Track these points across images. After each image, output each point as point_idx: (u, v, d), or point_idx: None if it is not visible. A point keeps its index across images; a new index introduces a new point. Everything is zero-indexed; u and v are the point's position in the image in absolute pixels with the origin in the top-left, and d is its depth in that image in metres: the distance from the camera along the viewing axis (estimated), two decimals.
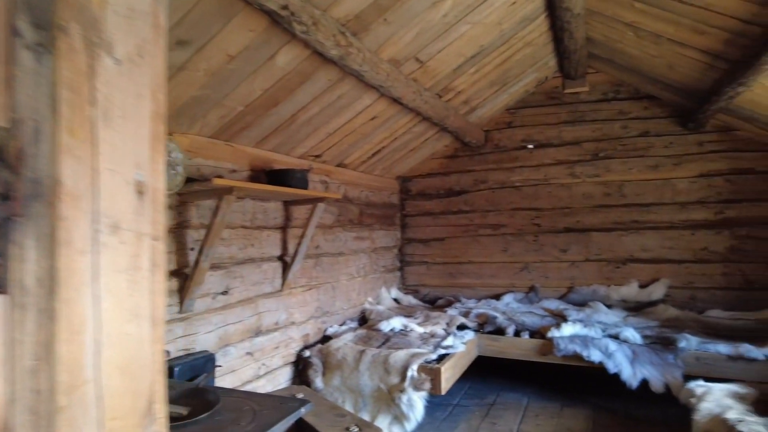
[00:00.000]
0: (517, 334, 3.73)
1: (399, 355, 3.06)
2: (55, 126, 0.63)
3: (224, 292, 2.76)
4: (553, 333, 3.54)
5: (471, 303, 4.56)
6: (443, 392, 2.96)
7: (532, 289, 4.66)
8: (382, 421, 2.98)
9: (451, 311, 4.14)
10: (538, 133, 4.66)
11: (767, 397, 2.50)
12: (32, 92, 0.61)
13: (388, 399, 2.99)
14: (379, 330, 3.66)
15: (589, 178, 4.49)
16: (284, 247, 3.24)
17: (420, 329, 3.69)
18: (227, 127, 2.67)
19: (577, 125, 4.54)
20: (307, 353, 3.31)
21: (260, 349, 3.00)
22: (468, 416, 3.45)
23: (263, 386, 2.99)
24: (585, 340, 3.45)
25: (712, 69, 3.21)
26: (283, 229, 3.24)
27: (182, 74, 2.14)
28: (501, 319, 3.87)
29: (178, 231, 2.50)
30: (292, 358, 3.31)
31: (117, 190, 0.71)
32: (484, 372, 4.21)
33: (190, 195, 2.50)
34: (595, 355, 3.34)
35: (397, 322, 3.73)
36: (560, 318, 3.95)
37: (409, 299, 4.91)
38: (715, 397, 2.50)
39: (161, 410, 0.78)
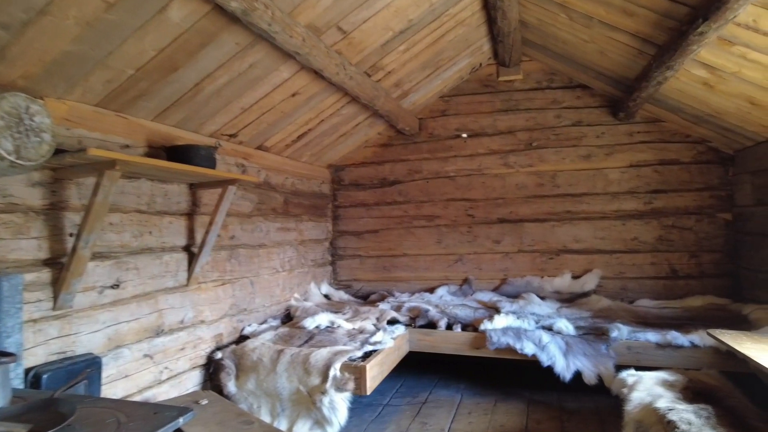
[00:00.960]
0: (449, 327, 3.55)
1: (321, 354, 2.79)
2: None
3: (114, 286, 2.38)
4: (486, 325, 3.39)
5: (404, 297, 4.36)
6: (369, 392, 2.72)
7: (466, 281, 4.52)
8: (302, 427, 2.70)
9: (382, 305, 3.92)
10: (473, 122, 4.53)
11: (695, 383, 2.44)
12: None
13: (309, 402, 2.71)
14: (303, 328, 3.38)
15: (523, 168, 4.41)
16: (191, 237, 2.88)
17: (348, 325, 3.44)
18: (117, 95, 2.29)
19: (511, 114, 4.45)
20: (218, 355, 2.97)
21: (162, 350, 2.63)
22: (398, 416, 3.23)
23: (166, 392, 2.63)
24: (518, 333, 3.32)
25: (641, 55, 3.17)
26: (190, 216, 2.89)
27: (45, 20, 1.77)
28: (433, 312, 3.69)
29: (51, 213, 2.11)
30: (202, 361, 2.96)
31: None
32: (419, 368, 4.03)
33: (67, 171, 2.12)
34: (529, 348, 3.21)
35: (323, 319, 3.45)
36: (493, 310, 3.82)
37: (341, 295, 4.64)
38: (645, 386, 2.41)
39: None
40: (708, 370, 2.67)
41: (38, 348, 2.04)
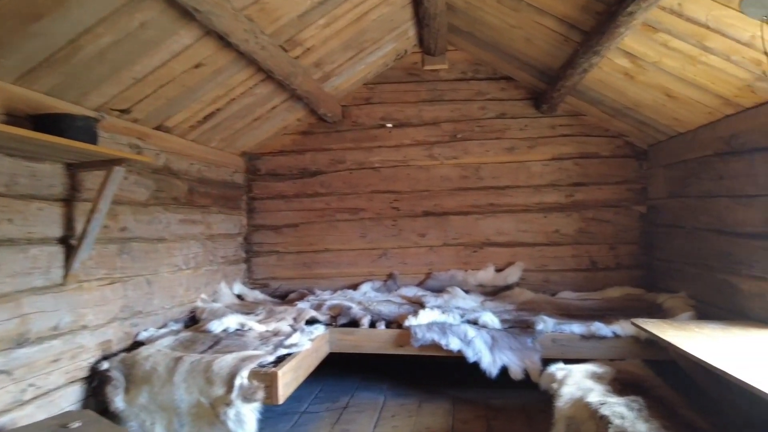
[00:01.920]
0: (373, 325, 3.33)
1: (225, 361, 2.45)
2: None
3: None
4: (410, 321, 3.20)
5: (326, 295, 4.08)
6: (281, 401, 2.41)
7: (390, 276, 4.32)
8: None
9: (301, 304, 3.61)
10: (398, 112, 4.34)
11: (623, 374, 2.39)
12: None
13: (211, 415, 2.36)
14: (208, 331, 3.00)
15: (448, 160, 4.29)
16: (69, 227, 2.42)
17: (260, 327, 3.10)
18: None
19: (436, 104, 4.31)
20: (104, 365, 2.53)
21: (26, 364, 2.16)
22: (316, 424, 2.95)
23: (30, 416, 2.16)
24: (443, 328, 3.16)
25: (566, 42, 3.12)
26: (68, 202, 2.43)
27: None
28: (356, 309, 3.45)
29: None
30: (84, 373, 2.50)
31: None
32: (340, 370, 3.76)
33: None
34: (454, 343, 3.06)
35: (231, 321, 3.09)
36: (418, 305, 3.65)
37: (256, 295, 4.27)
38: (575, 380, 2.31)
39: None
40: (632, 360, 2.65)
41: None
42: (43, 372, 2.25)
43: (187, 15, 2.22)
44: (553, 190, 4.19)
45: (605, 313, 3.48)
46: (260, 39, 2.58)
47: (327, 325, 3.37)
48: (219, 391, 2.36)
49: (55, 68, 2.16)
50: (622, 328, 3.04)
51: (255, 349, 2.74)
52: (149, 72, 2.53)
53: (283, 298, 4.31)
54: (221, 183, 4.04)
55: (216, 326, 3.02)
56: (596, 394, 2.09)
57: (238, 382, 2.34)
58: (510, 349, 3.04)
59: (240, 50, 2.59)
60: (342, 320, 3.37)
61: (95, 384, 2.51)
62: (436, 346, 3.09)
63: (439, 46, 4.11)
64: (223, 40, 2.52)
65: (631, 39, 2.67)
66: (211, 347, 2.79)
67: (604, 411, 1.94)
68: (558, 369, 2.47)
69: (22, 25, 1.88)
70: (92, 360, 2.56)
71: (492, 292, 4.11)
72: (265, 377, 2.38)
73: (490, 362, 3.01)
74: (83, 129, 2.13)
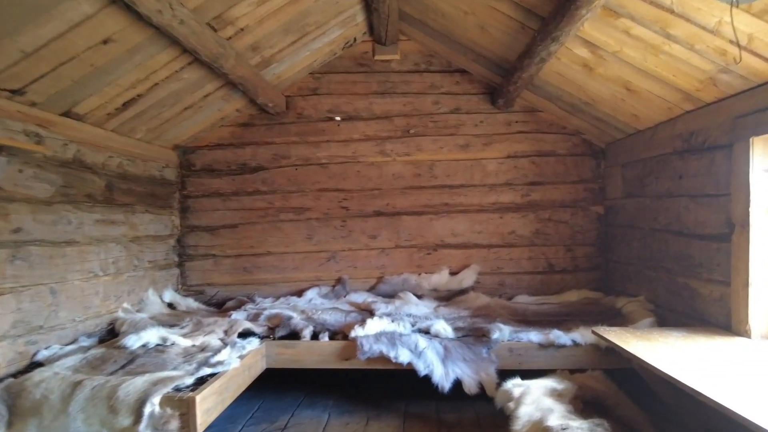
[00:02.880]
0: (315, 336, 3.02)
1: (135, 384, 2.09)
2: None
3: None
4: (357, 332, 2.92)
5: (267, 302, 3.75)
6: (200, 430, 2.07)
7: (339, 281, 4.03)
8: None
9: (235, 315, 3.26)
10: (347, 104, 4.05)
11: (584, 390, 2.18)
12: None
13: None
14: (124, 347, 2.61)
15: (400, 157, 4.03)
16: None
17: (185, 342, 2.74)
18: None
19: (388, 97, 4.04)
20: None
21: None
22: None
23: None
24: (392, 338, 2.90)
25: (523, 30, 2.92)
26: None
27: None
28: (297, 319, 3.13)
29: None
30: None
31: None
32: (282, 386, 3.43)
33: None
34: (404, 356, 2.79)
35: (151, 335, 2.72)
36: (367, 313, 3.38)
37: (190, 303, 3.88)
38: (533, 398, 2.09)
39: None
40: (593, 372, 2.46)
41: None
42: None
43: None
44: (509, 190, 4.00)
45: (563, 319, 3.32)
46: (178, 12, 2.23)
47: (264, 337, 3.04)
48: (125, 421, 2.00)
49: None
50: (582, 335, 2.86)
51: (175, 368, 2.39)
52: (42, 45, 2.14)
53: (220, 306, 3.94)
54: (149, 179, 3.63)
55: (133, 341, 2.64)
56: (557, 417, 1.87)
57: (147, 410, 1.99)
58: (464, 361, 2.80)
59: (154, 24, 2.23)
60: (281, 332, 3.05)
61: None
62: (384, 358, 2.81)
63: (390, 35, 3.85)
64: (132, 12, 2.15)
65: (591, 26, 2.49)
66: (123, 367, 2.41)
67: None
68: (515, 385, 2.24)
69: None
70: None
71: (446, 297, 3.89)
72: (181, 403, 2.04)
73: (442, 375, 2.76)
74: None
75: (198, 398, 2.04)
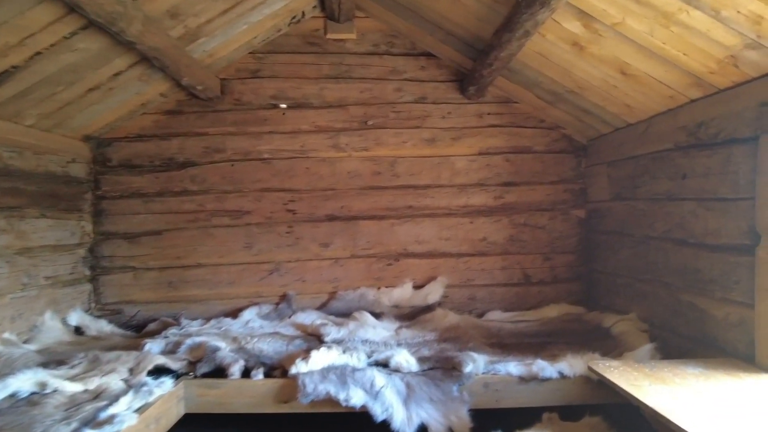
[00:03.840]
0: (247, 372, 2.43)
1: None
2: None
3: None
4: (299, 368, 2.35)
5: (195, 325, 3.13)
6: None
7: (284, 298, 3.44)
8: None
9: (150, 344, 2.62)
10: (294, 89, 3.46)
11: None
12: None
13: None
14: None
15: (357, 152, 3.48)
16: None
17: (73, 387, 2.11)
18: None
19: (343, 83, 3.48)
20: None
21: None
22: None
23: None
24: (343, 374, 2.34)
25: (498, 2, 2.43)
26: None
27: None
28: (224, 351, 2.52)
29: None
30: None
31: None
32: (204, 428, 2.80)
33: None
34: (357, 397, 2.24)
35: (24, 381, 2.06)
36: (315, 339, 2.81)
37: (102, 326, 3.21)
38: None
39: None
40: (590, 420, 1.97)
41: None
42: None
43: None
44: (481, 191, 3.51)
45: (544, 341, 2.86)
46: None
47: (182, 375, 2.43)
48: None
49: None
50: (570, 366, 2.38)
51: (46, 430, 1.76)
52: None
53: (141, 329, 3.29)
54: (45, 176, 2.95)
55: None
56: None
57: None
58: (430, 402, 2.27)
59: None
60: (203, 368, 2.44)
61: None
62: (332, 401, 2.25)
63: (345, 10, 3.29)
64: None
65: None
66: None
67: None
68: None
69: None
70: None
71: (409, 315, 3.36)
72: None
73: (404, 420, 2.21)
74: None
75: None
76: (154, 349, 2.60)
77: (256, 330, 3.01)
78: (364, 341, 2.74)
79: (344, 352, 2.49)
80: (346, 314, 3.29)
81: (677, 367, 1.94)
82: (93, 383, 2.17)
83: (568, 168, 3.52)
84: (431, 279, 3.46)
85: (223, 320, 3.20)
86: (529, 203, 3.51)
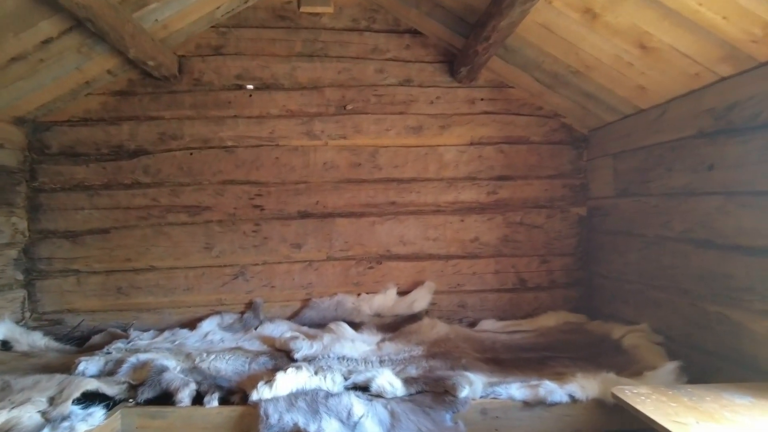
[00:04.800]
0: (200, 397, 2.02)
1: None
2: None
3: None
4: (261, 394, 1.95)
5: (146, 338, 2.71)
6: None
7: (250, 306, 3.02)
8: None
9: (85, 363, 2.19)
10: (262, 68, 3.06)
11: None
12: None
13: None
14: None
15: (333, 141, 3.09)
16: None
17: None
18: None
19: (318, 62, 3.09)
20: None
21: None
22: None
23: None
24: (315, 401, 1.95)
25: None
26: None
27: None
28: (174, 372, 2.11)
29: None
30: None
31: None
32: None
33: None
34: (331, 429, 1.86)
35: None
36: (283, 354, 2.42)
37: (36, 339, 2.75)
38: None
39: None
40: None
41: None
42: None
43: None
44: (471, 185, 3.16)
45: (545, 355, 2.51)
46: None
47: (121, 401, 2.01)
48: None
49: None
50: (582, 388, 2.03)
51: None
52: None
53: (84, 341, 2.84)
54: None
55: None
56: None
57: None
58: None
59: None
60: (147, 392, 2.02)
61: None
62: None
63: None
64: None
65: None
66: None
67: None
68: None
69: None
70: None
71: (392, 325, 2.98)
72: None
73: None
74: None
75: None
76: (89, 370, 2.19)
77: (215, 344, 2.60)
78: (341, 358, 2.35)
79: (316, 373, 2.10)
80: (320, 325, 2.90)
81: (720, 395, 1.60)
82: (2, 416, 1.74)
83: (567, 161, 3.19)
84: (417, 284, 3.09)
85: (179, 332, 2.78)
86: (524, 199, 3.17)
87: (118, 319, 2.97)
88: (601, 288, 3.05)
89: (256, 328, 2.82)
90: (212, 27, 3.02)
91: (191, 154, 2.99)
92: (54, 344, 2.78)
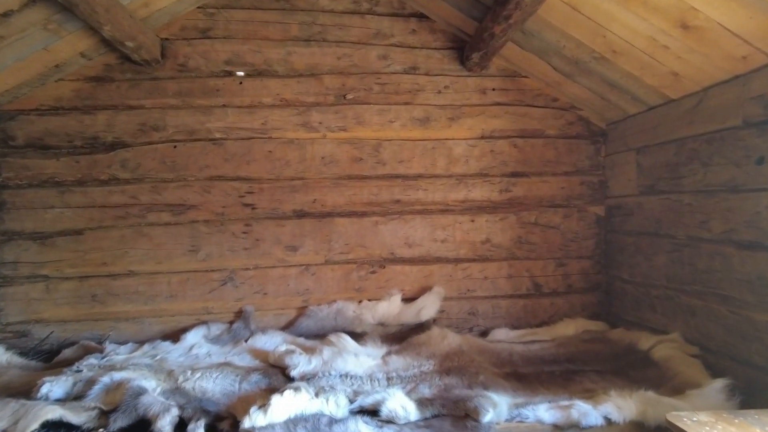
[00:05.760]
0: (183, 425, 1.75)
1: None
2: None
3: None
4: (254, 421, 1.68)
5: (123, 351, 2.43)
6: None
7: (240, 315, 2.75)
8: None
9: (49, 385, 1.91)
10: (254, 53, 2.79)
11: None
12: None
13: None
14: None
15: (333, 133, 2.83)
16: None
17: None
18: None
19: (315, 47, 2.83)
20: None
21: None
22: None
23: None
24: (317, 428, 1.69)
25: None
26: None
27: None
28: (153, 395, 1.83)
29: None
30: None
31: None
32: None
33: None
34: None
35: None
36: (278, 371, 2.15)
37: None
38: None
39: None
40: None
41: None
42: None
43: None
44: (483, 182, 2.92)
45: (568, 368, 2.29)
46: None
47: (90, 431, 1.73)
48: None
49: None
50: (618, 408, 1.80)
51: None
52: None
53: (54, 355, 2.54)
54: None
55: None
56: None
57: None
58: None
59: None
60: (121, 420, 1.74)
61: None
62: None
63: None
64: None
65: None
66: None
67: None
68: None
69: None
70: None
71: (398, 336, 2.72)
72: None
73: None
74: None
75: None
76: (54, 392, 1.91)
77: (201, 359, 2.32)
78: (344, 376, 2.09)
79: (317, 395, 1.83)
80: (318, 336, 2.63)
81: None
82: None
83: (585, 156, 2.97)
84: (424, 290, 2.83)
85: (161, 344, 2.50)
86: (539, 198, 2.94)
87: (92, 330, 2.67)
88: (622, 293, 2.82)
89: (246, 340, 2.54)
90: (199, 7, 2.74)
91: (175, 147, 2.71)
92: (18, 360, 2.47)
